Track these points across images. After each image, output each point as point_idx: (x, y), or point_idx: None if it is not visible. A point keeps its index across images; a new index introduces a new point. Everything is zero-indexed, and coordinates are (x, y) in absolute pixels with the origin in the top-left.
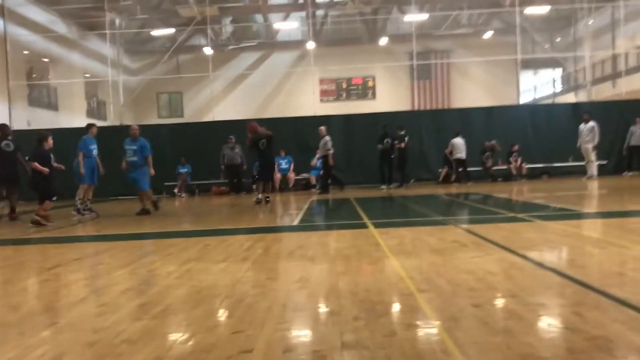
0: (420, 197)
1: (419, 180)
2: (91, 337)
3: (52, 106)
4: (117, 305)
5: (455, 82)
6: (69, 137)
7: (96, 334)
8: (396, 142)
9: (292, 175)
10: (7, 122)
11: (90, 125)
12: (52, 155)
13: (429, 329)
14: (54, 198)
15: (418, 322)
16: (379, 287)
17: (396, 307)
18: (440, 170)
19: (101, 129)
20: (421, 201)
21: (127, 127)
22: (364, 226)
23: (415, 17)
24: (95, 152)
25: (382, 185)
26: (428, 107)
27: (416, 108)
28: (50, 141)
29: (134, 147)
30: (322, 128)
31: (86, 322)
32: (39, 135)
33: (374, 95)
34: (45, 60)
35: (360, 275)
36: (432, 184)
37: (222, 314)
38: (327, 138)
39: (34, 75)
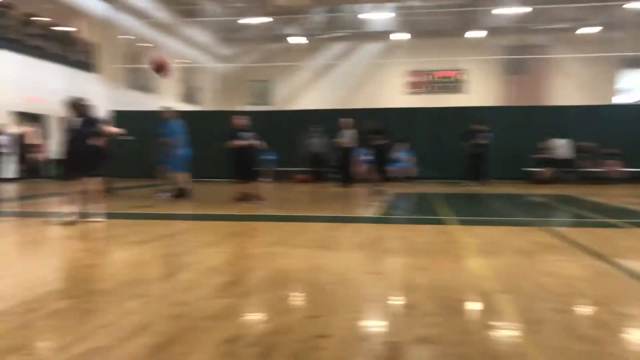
0: (506, 195)
1: (506, 179)
2: (176, 310)
3: (149, 89)
4: (201, 283)
5: (551, 78)
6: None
7: (181, 307)
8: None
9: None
10: (108, 105)
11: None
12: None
13: (507, 331)
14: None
15: (497, 323)
16: (458, 285)
17: (475, 306)
18: (531, 169)
19: (195, 113)
20: (506, 200)
21: (222, 112)
22: (445, 222)
23: (511, 10)
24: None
25: (470, 182)
26: (521, 103)
27: (508, 104)
28: (240, 120)
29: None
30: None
31: (172, 296)
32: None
33: (464, 89)
34: (145, 45)
35: (440, 272)
36: (522, 184)
37: (299, 298)
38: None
39: (133, 60)
